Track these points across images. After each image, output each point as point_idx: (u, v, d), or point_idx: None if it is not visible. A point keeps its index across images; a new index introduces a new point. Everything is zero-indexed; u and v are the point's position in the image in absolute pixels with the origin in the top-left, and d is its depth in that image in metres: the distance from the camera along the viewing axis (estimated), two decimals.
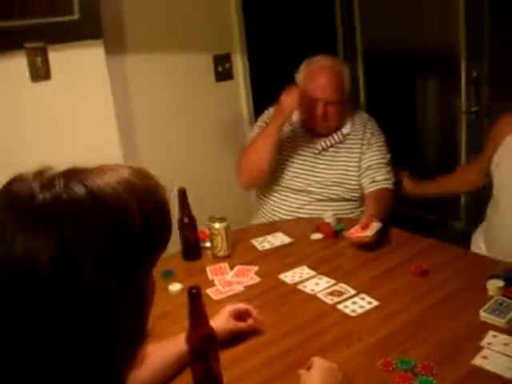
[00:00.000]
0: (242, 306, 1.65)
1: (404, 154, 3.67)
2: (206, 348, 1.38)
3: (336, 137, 2.55)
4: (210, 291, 1.92)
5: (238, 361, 1.55)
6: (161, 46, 2.88)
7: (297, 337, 1.63)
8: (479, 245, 2.37)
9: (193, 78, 3.03)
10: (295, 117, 2.57)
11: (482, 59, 3.14)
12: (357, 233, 2.09)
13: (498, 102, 3.23)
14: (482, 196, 2.49)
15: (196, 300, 1.36)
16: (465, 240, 2.53)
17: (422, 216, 3.43)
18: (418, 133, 4.24)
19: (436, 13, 3.36)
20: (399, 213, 2.59)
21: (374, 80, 3.75)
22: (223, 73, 3.13)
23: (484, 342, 1.50)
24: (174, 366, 1.46)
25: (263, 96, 3.13)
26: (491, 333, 1.54)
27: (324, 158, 2.56)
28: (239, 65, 3.18)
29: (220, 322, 1.56)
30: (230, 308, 1.62)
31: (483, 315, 1.61)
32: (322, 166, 2.55)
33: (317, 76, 2.48)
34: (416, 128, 4.22)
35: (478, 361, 1.43)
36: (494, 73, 3.19)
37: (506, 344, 1.49)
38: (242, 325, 1.62)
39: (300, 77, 2.54)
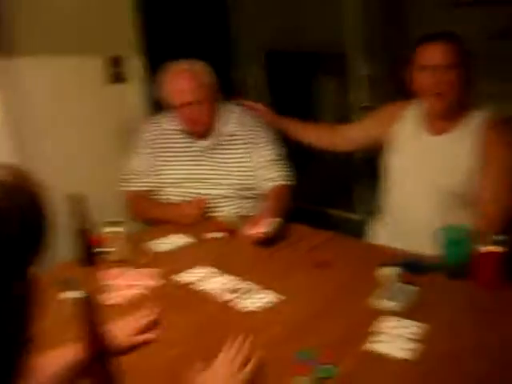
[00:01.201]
0: (143, 321, 1.61)
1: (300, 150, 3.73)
2: (101, 356, 1.32)
3: (218, 136, 2.53)
4: (107, 296, 1.85)
5: (140, 365, 1.49)
6: (52, 47, 2.75)
7: (199, 337, 1.59)
8: (377, 234, 2.44)
9: (84, 81, 2.91)
10: (177, 124, 2.55)
11: (375, 58, 3.26)
12: (255, 230, 2.09)
13: (387, 97, 3.35)
14: (376, 187, 2.56)
15: (89, 307, 1.30)
16: (362, 232, 2.58)
17: (320, 210, 3.50)
18: None
19: (333, 14, 3.44)
20: (299, 208, 2.61)
21: (273, 79, 3.79)
22: (117, 75, 3.06)
23: (379, 327, 1.53)
24: (64, 378, 1.39)
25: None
26: (386, 317, 1.57)
27: (211, 158, 2.54)
28: (134, 66, 3.11)
29: (120, 338, 1.51)
30: (131, 324, 1.58)
31: (378, 302, 1.64)
32: (209, 167, 2.53)
33: (172, 82, 2.45)
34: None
35: (374, 345, 1.45)
36: (385, 71, 3.32)
37: (400, 327, 1.52)
38: (142, 338, 1.57)
39: (162, 91, 2.50)
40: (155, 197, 2.60)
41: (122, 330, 1.54)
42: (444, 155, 2.16)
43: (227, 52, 3.74)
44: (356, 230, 2.70)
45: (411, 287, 1.69)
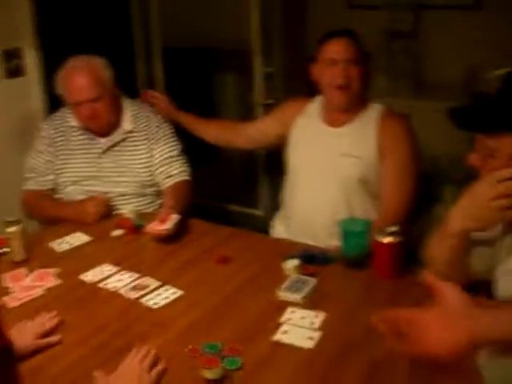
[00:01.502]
0: (45, 324, 1.57)
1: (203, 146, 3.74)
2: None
3: (117, 134, 2.49)
4: (6, 299, 1.79)
5: (44, 368, 1.45)
6: None
7: (101, 335, 1.57)
8: (278, 229, 2.49)
9: None
10: (76, 122, 2.49)
11: (276, 56, 3.33)
12: (156, 226, 2.08)
13: (289, 95, 3.43)
14: (278, 184, 2.62)
15: None
16: (264, 228, 2.63)
17: (223, 207, 3.52)
18: None
19: (232, 11, 3.47)
20: (201, 205, 2.63)
21: (173, 76, 3.76)
22: (14, 69, 2.93)
23: (283, 318, 1.58)
24: None
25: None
26: (290, 309, 1.62)
27: (110, 157, 2.49)
28: (32, 60, 2.99)
29: (22, 342, 1.47)
30: (33, 328, 1.54)
31: (281, 294, 1.69)
32: (109, 165, 2.48)
33: (69, 80, 2.39)
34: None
35: (278, 336, 1.50)
36: (285, 69, 3.40)
37: (303, 317, 1.58)
38: (44, 342, 1.53)
39: (60, 89, 2.44)
40: (57, 196, 2.53)
41: (22, 334, 1.50)
42: (345, 145, 2.24)
43: (130, 48, 3.68)
44: (259, 226, 2.76)
45: (311, 279, 1.75)
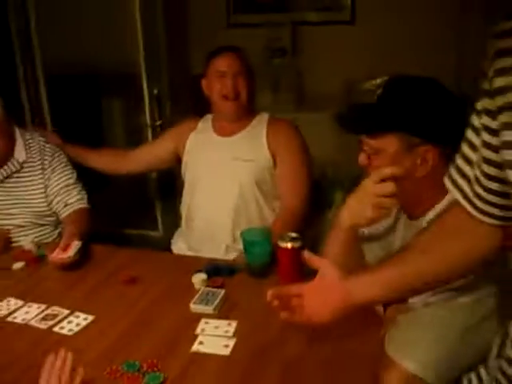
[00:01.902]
0: None
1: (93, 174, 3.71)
2: None
3: (11, 166, 2.44)
4: None
5: None
6: None
7: (14, 370, 1.54)
8: (179, 245, 2.54)
9: None
10: None
11: (161, 77, 3.39)
12: (58, 255, 2.06)
13: (176, 115, 3.49)
14: (173, 203, 2.67)
15: None
16: (166, 247, 2.66)
17: (123, 232, 3.51)
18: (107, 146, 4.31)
19: (117, 36, 3.48)
20: (100, 232, 2.61)
21: (58, 104, 3.71)
22: None
23: (198, 330, 1.63)
24: None
25: None
26: (203, 320, 1.68)
27: (5, 189, 2.44)
28: None
29: None
30: None
31: (193, 307, 1.74)
32: (4, 198, 2.43)
33: None
34: (105, 143, 4.28)
35: (196, 347, 1.55)
36: (172, 90, 3.46)
37: (216, 327, 1.64)
38: None
39: None
40: None
41: None
42: (237, 151, 2.38)
43: (14, 77, 3.60)
44: (161, 246, 2.78)
45: (220, 290, 1.81)
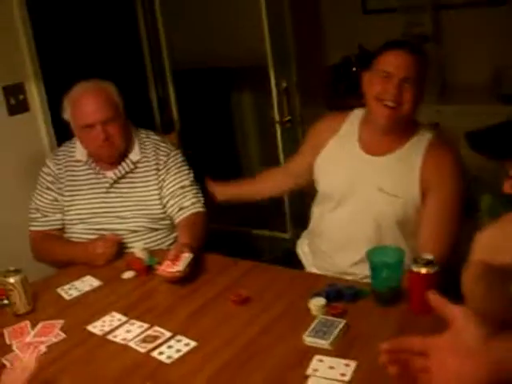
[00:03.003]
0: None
1: (226, 167, 3.59)
2: None
3: (125, 165, 2.33)
4: (5, 359, 1.63)
5: None
6: None
7: None
8: (304, 248, 2.32)
9: None
10: (81, 155, 2.36)
11: (290, 70, 3.16)
12: (168, 268, 1.90)
13: (307, 109, 3.27)
14: (304, 204, 2.43)
15: None
16: (293, 250, 2.44)
17: (250, 232, 3.37)
18: (238, 146, 4.22)
19: (242, 28, 3.34)
20: (223, 231, 2.46)
21: (186, 98, 3.63)
22: (17, 105, 2.81)
23: (310, 369, 1.39)
24: None
25: (64, 127, 2.88)
26: (317, 357, 1.43)
27: (118, 190, 2.33)
28: (35, 95, 2.85)
29: None
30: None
31: (307, 339, 1.50)
32: (117, 200, 2.33)
33: (81, 102, 2.23)
34: (235, 141, 4.19)
35: None
36: (301, 82, 3.23)
37: (331, 367, 1.39)
38: None
39: (67, 113, 2.29)
40: (66, 235, 2.38)
41: None
42: (383, 179, 1.97)
43: (142, 73, 3.56)
44: (288, 249, 2.55)
45: (340, 320, 1.55)
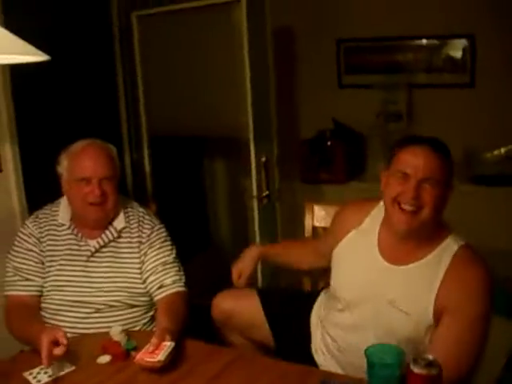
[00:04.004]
0: None
1: (194, 237, 3.52)
2: None
3: (109, 233, 2.24)
4: None
5: None
6: None
7: None
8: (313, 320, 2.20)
9: None
10: (64, 218, 2.27)
11: (271, 144, 3.14)
12: (146, 356, 1.77)
13: (283, 182, 3.24)
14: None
15: None
16: None
17: None
18: (209, 215, 4.17)
19: (225, 99, 3.33)
20: (200, 306, 2.35)
21: (160, 166, 3.59)
22: None
23: None
24: None
25: (37, 188, 2.77)
26: None
27: (99, 260, 2.24)
28: (9, 157, 2.77)
29: None
30: None
31: None
32: (97, 271, 2.22)
33: (82, 155, 2.19)
34: (206, 210, 4.14)
35: None
36: (281, 157, 3.21)
37: None
38: None
39: (63, 165, 2.22)
40: (41, 305, 2.23)
41: None
42: (396, 292, 1.80)
43: (117, 138, 3.51)
44: None
45: None
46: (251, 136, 2.99)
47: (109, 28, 3.55)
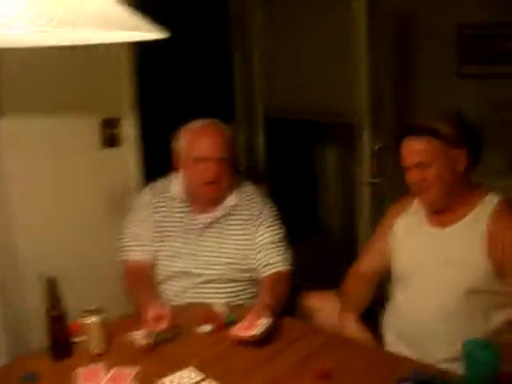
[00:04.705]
0: None
1: (304, 223, 3.54)
2: None
3: (221, 210, 2.31)
4: None
5: None
6: (42, 107, 2.55)
7: None
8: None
9: (76, 144, 2.70)
10: (176, 192, 2.36)
11: (385, 130, 3.09)
12: (241, 330, 1.84)
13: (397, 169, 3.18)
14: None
15: None
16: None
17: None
18: (318, 201, 4.17)
19: (340, 82, 3.31)
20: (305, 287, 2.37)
21: (273, 148, 3.63)
22: (111, 138, 2.85)
23: None
24: None
25: (154, 164, 2.90)
26: None
27: (209, 235, 2.32)
28: (129, 130, 2.91)
29: None
30: None
31: None
32: (205, 245, 2.30)
33: (201, 135, 2.26)
34: (316, 195, 4.15)
35: None
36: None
37: None
38: None
39: (180, 143, 2.30)
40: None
41: None
42: (449, 249, 1.94)
43: (232, 117, 3.58)
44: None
45: None
46: (366, 122, 2.96)
47: (226, 9, 3.60)
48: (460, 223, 1.96)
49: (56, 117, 2.61)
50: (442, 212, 1.99)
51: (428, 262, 1.98)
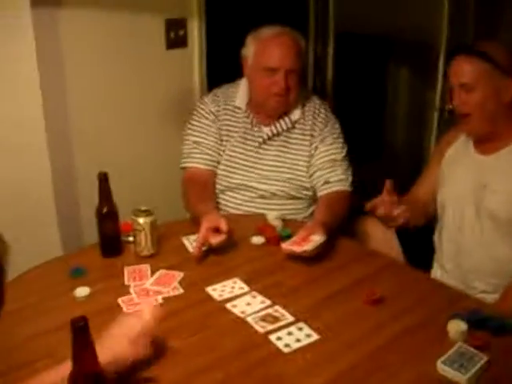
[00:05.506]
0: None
1: (368, 143, 3.43)
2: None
3: (283, 123, 2.22)
4: (122, 300, 1.62)
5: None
6: (104, 3, 2.48)
7: (218, 373, 1.33)
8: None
9: (140, 44, 2.62)
10: (241, 103, 2.26)
11: None
12: (294, 245, 1.78)
13: None
14: None
15: (82, 335, 1.05)
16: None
17: None
18: (386, 123, 4.02)
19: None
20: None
21: (343, 63, 3.46)
22: (176, 39, 2.76)
23: None
24: None
25: (218, 66, 2.81)
26: None
27: (269, 149, 2.24)
28: (195, 31, 2.80)
29: (119, 348, 1.23)
30: (137, 327, 1.28)
31: (441, 367, 1.33)
32: (266, 158, 2.24)
33: (274, 44, 2.13)
34: (384, 117, 4.00)
35: None
36: None
37: None
38: (144, 352, 1.27)
39: (249, 50, 2.19)
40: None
41: (121, 338, 1.25)
42: (490, 177, 1.90)
43: (302, 28, 3.42)
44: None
45: (480, 355, 1.36)
46: (443, 43, 2.76)
47: None
48: (502, 151, 1.90)
49: (120, 15, 2.52)
50: (488, 140, 1.92)
51: (469, 189, 1.94)
